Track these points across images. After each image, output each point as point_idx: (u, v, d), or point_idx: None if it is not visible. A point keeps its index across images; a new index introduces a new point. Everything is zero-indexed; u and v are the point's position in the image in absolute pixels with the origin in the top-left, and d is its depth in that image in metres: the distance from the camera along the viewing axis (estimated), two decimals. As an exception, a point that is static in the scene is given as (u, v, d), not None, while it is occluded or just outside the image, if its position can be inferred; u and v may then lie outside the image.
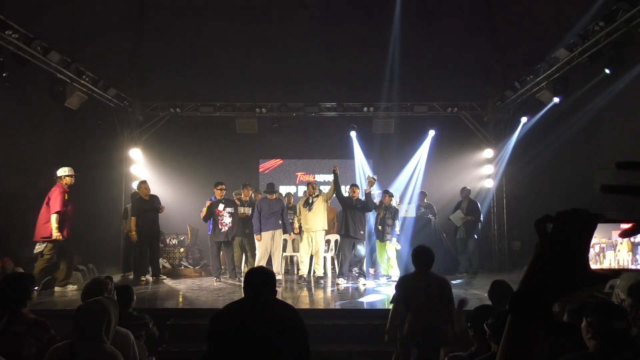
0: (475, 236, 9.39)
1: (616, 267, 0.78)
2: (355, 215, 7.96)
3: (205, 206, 8.24)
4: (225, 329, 2.54)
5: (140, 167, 10.60)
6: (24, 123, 9.37)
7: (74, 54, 8.78)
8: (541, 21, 10.02)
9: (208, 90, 10.90)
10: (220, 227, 8.19)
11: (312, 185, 8.27)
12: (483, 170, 10.97)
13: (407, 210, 9.66)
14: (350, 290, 7.67)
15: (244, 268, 8.63)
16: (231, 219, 8.25)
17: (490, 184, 10.81)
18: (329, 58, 10.83)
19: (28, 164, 10.07)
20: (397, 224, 8.52)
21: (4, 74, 6.80)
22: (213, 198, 8.28)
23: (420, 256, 4.23)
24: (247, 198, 8.63)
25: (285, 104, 10.73)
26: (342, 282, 8.00)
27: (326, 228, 8.22)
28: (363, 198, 8.12)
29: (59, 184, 7.06)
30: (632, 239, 0.77)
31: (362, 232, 8.06)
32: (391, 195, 8.72)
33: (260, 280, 2.71)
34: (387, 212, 8.46)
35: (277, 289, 2.79)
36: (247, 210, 8.36)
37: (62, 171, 7.14)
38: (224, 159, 11.30)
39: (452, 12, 10.73)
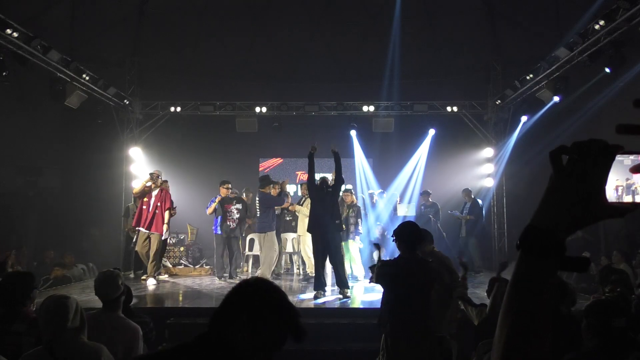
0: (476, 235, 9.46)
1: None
2: (326, 203, 6.79)
3: (214, 202, 8.28)
4: None
5: (140, 166, 10.59)
6: (23, 122, 9.36)
7: (73, 53, 8.77)
8: (541, 20, 10.01)
9: (208, 89, 10.89)
10: (229, 222, 8.21)
11: (305, 186, 8.22)
12: (483, 169, 10.96)
13: (407, 209, 9.65)
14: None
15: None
16: (239, 215, 8.29)
17: (490, 183, 10.81)
18: (329, 57, 10.82)
19: (28, 163, 10.08)
20: (360, 222, 8.41)
21: (4, 73, 6.81)
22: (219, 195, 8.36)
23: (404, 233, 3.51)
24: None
25: (285, 102, 10.71)
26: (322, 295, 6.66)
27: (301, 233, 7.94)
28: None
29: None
30: None
31: (337, 222, 6.80)
32: (353, 194, 8.67)
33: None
34: (350, 211, 8.42)
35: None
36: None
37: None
38: (224, 158, 11.28)
39: (453, 11, 10.72)
